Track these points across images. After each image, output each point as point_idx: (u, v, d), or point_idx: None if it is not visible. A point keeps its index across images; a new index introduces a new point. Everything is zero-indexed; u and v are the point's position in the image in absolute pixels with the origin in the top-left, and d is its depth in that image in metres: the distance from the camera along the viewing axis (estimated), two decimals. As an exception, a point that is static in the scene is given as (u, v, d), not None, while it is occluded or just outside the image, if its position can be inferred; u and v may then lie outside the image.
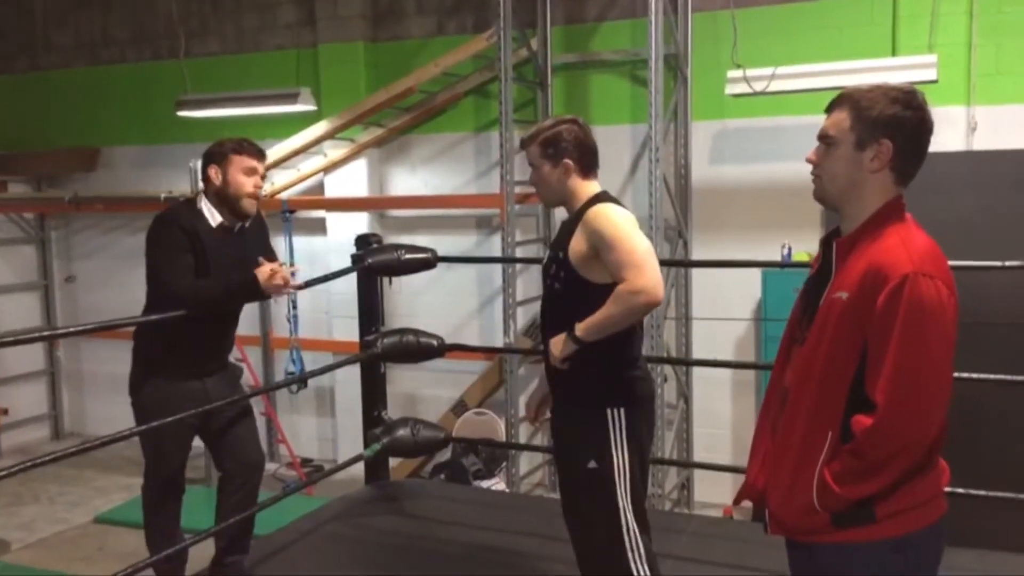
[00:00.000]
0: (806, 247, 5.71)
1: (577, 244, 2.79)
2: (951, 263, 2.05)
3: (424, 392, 6.95)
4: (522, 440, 6.43)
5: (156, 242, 3.35)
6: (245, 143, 3.45)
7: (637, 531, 2.82)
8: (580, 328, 2.74)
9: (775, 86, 5.20)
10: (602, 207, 2.80)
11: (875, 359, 1.92)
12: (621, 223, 2.75)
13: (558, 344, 2.81)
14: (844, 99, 2.09)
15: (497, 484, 6.13)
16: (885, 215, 2.04)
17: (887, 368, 1.88)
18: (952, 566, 3.35)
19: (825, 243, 2.16)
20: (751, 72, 5.28)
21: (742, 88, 5.27)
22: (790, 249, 5.68)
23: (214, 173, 3.39)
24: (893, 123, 2.02)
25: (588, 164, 2.89)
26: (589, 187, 2.90)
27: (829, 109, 2.12)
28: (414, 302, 6.91)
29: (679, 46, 5.97)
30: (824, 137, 2.09)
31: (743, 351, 6.10)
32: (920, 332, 1.88)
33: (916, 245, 1.98)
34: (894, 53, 5.58)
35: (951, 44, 5.44)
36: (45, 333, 3.90)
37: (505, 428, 6.29)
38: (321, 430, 7.58)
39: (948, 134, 5.53)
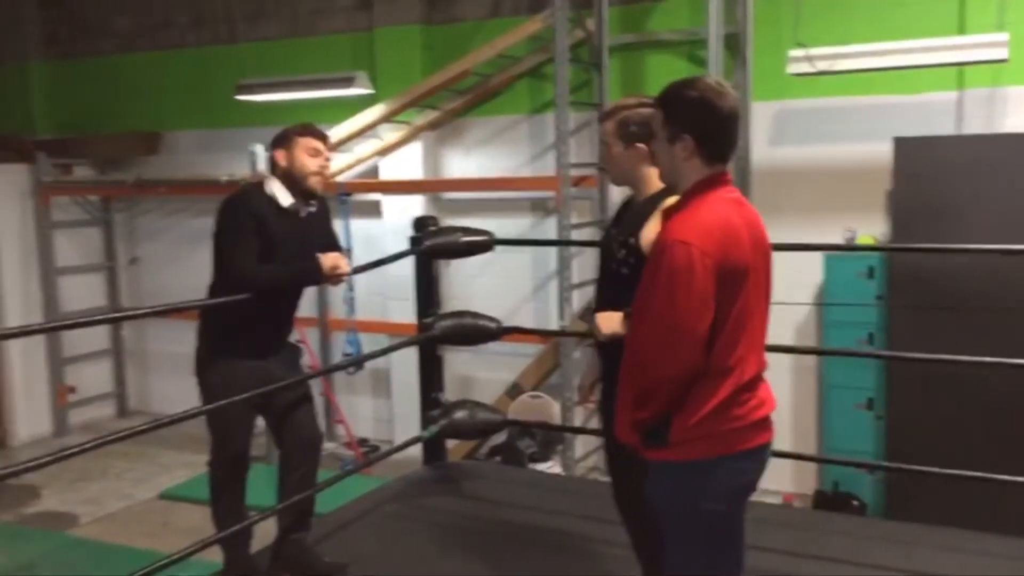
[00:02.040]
0: (870, 230, 5.61)
1: (651, 231, 2.74)
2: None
3: (479, 375, 6.98)
4: (577, 423, 6.41)
5: (224, 225, 3.42)
6: (309, 126, 3.54)
7: None
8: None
9: (839, 65, 5.09)
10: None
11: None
12: None
13: (610, 321, 2.78)
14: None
15: (553, 467, 6.14)
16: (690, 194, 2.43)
17: (643, 313, 2.34)
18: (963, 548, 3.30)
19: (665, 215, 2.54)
20: (814, 51, 5.17)
21: (804, 68, 5.16)
22: (854, 232, 5.58)
23: (280, 155, 3.46)
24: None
25: None
26: None
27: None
28: (469, 284, 6.93)
29: (739, 25, 5.87)
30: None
31: (804, 336, 6.01)
32: (671, 293, 2.27)
33: (702, 216, 2.33)
34: (962, 31, 5.43)
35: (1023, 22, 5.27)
36: (115, 315, 3.99)
37: (560, 411, 6.29)
38: (377, 410, 7.66)
39: (1020, 116, 5.38)
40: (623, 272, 2.84)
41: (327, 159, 3.53)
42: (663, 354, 2.31)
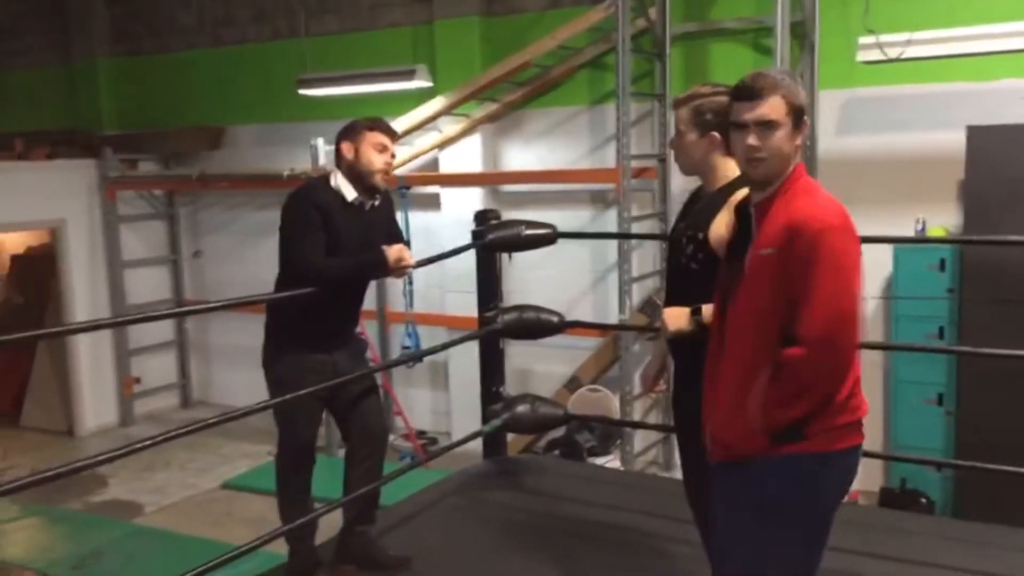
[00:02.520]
0: (941, 221, 5.45)
1: (721, 227, 2.68)
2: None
3: (537, 367, 6.95)
4: (636, 417, 6.36)
5: (290, 219, 3.43)
6: (378, 121, 3.52)
7: None
8: (707, 311, 2.65)
9: (911, 52, 4.95)
10: None
11: (801, 299, 2.23)
12: None
13: (676, 318, 2.72)
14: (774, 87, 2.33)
15: (612, 461, 6.09)
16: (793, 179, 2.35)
17: (814, 308, 2.21)
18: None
19: (742, 210, 2.45)
20: (884, 38, 5.03)
21: (875, 55, 5.03)
22: (924, 223, 5.43)
23: (346, 148, 3.45)
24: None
25: None
26: (732, 166, 2.77)
27: (756, 95, 2.32)
28: (527, 277, 6.89)
29: (806, 12, 5.73)
30: (766, 123, 2.32)
31: (873, 330, 5.85)
32: (837, 275, 2.21)
33: (822, 202, 2.29)
34: (1036, 15, 5.24)
35: (1102, 5, 5.07)
36: (184, 309, 4.05)
37: (620, 405, 6.23)
38: (435, 403, 7.68)
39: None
40: (692, 267, 2.78)
41: (393, 156, 3.52)
42: (838, 343, 2.25)
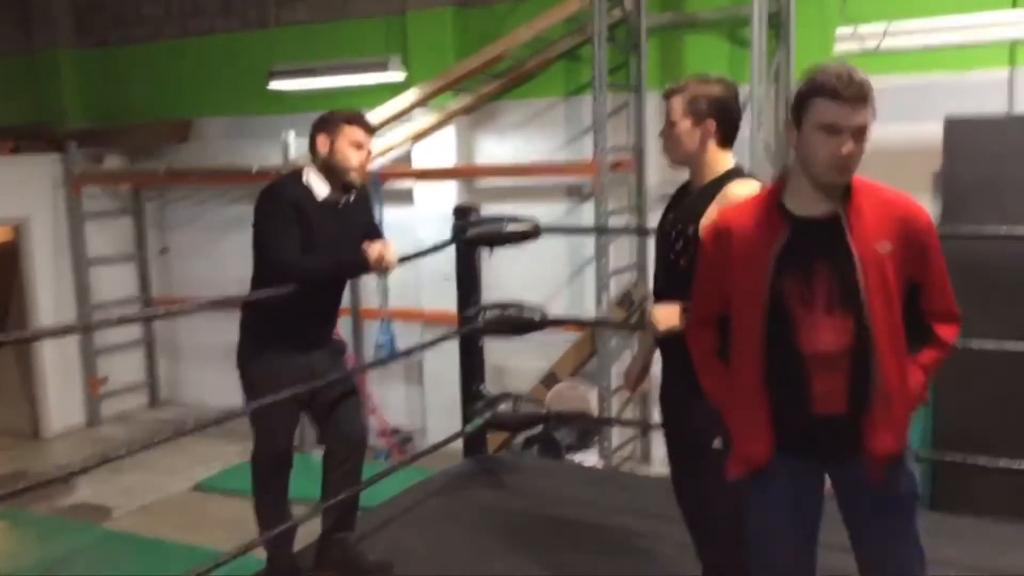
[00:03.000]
0: (918, 213, 5.44)
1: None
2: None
3: (513, 363, 6.87)
4: (614, 412, 6.32)
5: (264, 214, 3.31)
6: (356, 115, 3.39)
7: None
8: None
9: (889, 43, 4.91)
10: (744, 185, 2.64)
11: (933, 283, 2.32)
12: None
13: (669, 316, 2.64)
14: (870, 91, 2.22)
15: (590, 457, 6.05)
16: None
17: (946, 287, 2.34)
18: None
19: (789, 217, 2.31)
20: (862, 29, 5.00)
21: (852, 46, 4.99)
22: (901, 215, 5.41)
23: (321, 142, 3.33)
24: None
25: (729, 133, 2.72)
26: (725, 158, 2.73)
27: (860, 100, 2.18)
28: (502, 271, 6.78)
29: (782, 2, 5.70)
30: (863, 130, 2.19)
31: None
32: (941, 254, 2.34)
33: (900, 191, 2.33)
34: (1015, 5, 5.24)
35: (1080, -4, 5.08)
36: (159, 311, 3.92)
37: (598, 400, 6.19)
38: (409, 399, 7.59)
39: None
40: (680, 263, 2.71)
41: (369, 152, 3.40)
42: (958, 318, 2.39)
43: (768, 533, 2.44)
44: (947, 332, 2.36)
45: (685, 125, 2.71)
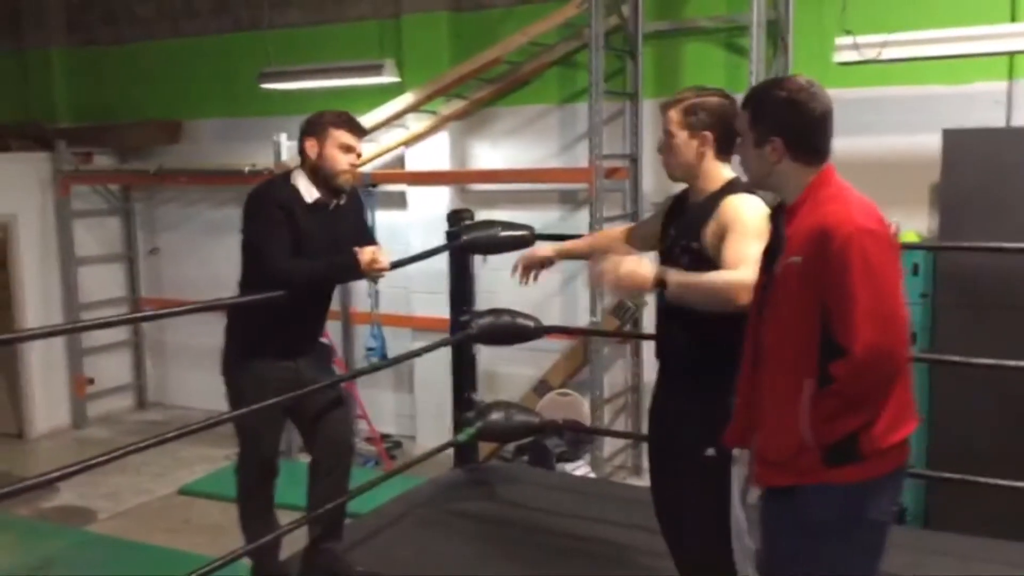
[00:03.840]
0: (915, 226, 5.42)
1: (714, 236, 2.62)
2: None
3: (504, 370, 6.81)
4: (606, 421, 6.28)
5: (254, 218, 3.24)
6: (345, 117, 3.32)
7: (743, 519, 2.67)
8: (670, 274, 2.56)
9: (888, 54, 4.89)
10: (742, 198, 2.63)
11: (831, 309, 2.12)
12: (750, 220, 2.59)
13: (636, 267, 2.56)
14: None
15: (582, 467, 5.98)
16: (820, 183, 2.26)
17: (848, 316, 2.08)
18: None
19: (775, 215, 2.38)
20: (861, 39, 4.97)
21: (851, 56, 4.97)
22: (898, 227, 5.38)
23: (310, 146, 3.26)
24: None
25: (727, 144, 2.69)
26: (723, 170, 2.72)
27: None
28: (494, 278, 6.73)
29: (781, 11, 5.67)
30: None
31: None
32: (873, 278, 2.08)
33: (853, 205, 2.18)
34: (1014, 19, 5.22)
35: (1079, 9, 5.06)
36: (150, 313, 3.88)
37: (590, 409, 6.14)
38: (399, 405, 7.53)
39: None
40: None
41: (359, 155, 3.34)
42: (882, 352, 2.07)
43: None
44: (835, 367, 2.11)
45: (682, 137, 2.70)
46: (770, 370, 2.27)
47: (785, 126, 2.25)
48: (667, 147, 2.75)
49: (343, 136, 3.26)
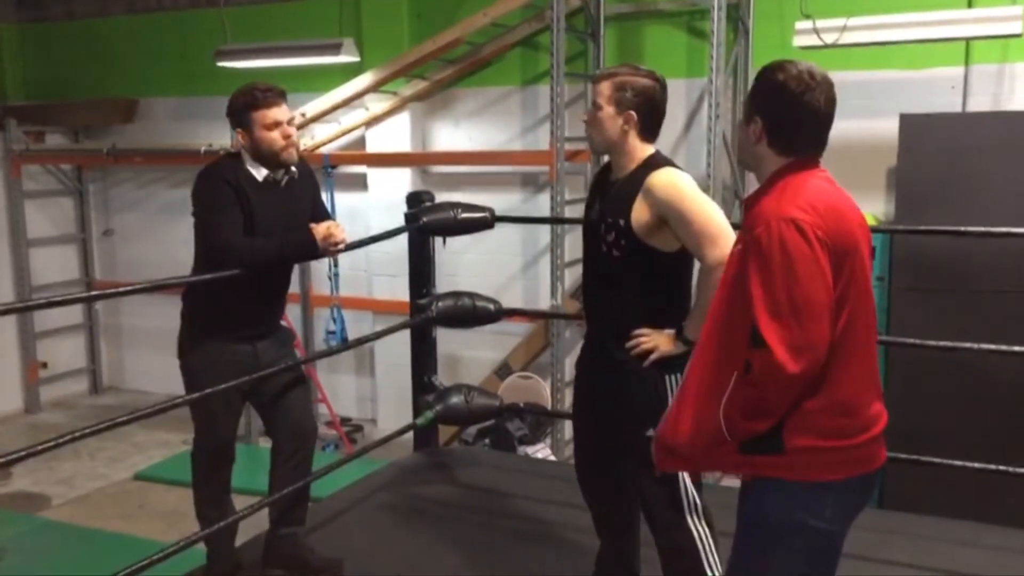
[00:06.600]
0: (872, 209, 5.47)
1: (640, 213, 2.67)
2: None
3: (465, 353, 6.80)
4: (567, 404, 6.27)
5: (203, 198, 3.15)
6: (257, 93, 3.16)
7: (692, 488, 2.76)
8: (690, 328, 2.66)
9: (847, 38, 4.92)
10: (667, 174, 2.69)
11: (747, 297, 2.04)
12: (693, 194, 2.66)
13: (664, 341, 2.69)
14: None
15: (542, 450, 5.99)
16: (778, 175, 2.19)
17: (761, 306, 2.00)
18: (977, 542, 3.20)
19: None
20: (821, 23, 4.99)
21: (811, 40, 4.98)
22: (855, 212, 5.43)
23: (241, 136, 3.18)
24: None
25: (651, 126, 2.76)
26: (644, 149, 2.76)
27: None
28: (456, 261, 6.73)
29: (741, -5, 5.68)
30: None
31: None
32: (788, 271, 1.99)
33: (790, 195, 2.09)
34: (970, 5, 5.27)
35: (1036, -4, 5.11)
36: (93, 293, 3.74)
37: (551, 392, 6.14)
38: (360, 389, 7.48)
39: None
40: (615, 255, 2.73)
41: (291, 122, 3.21)
42: (794, 343, 1.97)
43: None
44: (752, 356, 2.02)
45: (609, 111, 2.72)
46: (697, 357, 2.21)
47: (769, 110, 2.19)
48: (593, 119, 2.76)
49: (264, 116, 3.13)
